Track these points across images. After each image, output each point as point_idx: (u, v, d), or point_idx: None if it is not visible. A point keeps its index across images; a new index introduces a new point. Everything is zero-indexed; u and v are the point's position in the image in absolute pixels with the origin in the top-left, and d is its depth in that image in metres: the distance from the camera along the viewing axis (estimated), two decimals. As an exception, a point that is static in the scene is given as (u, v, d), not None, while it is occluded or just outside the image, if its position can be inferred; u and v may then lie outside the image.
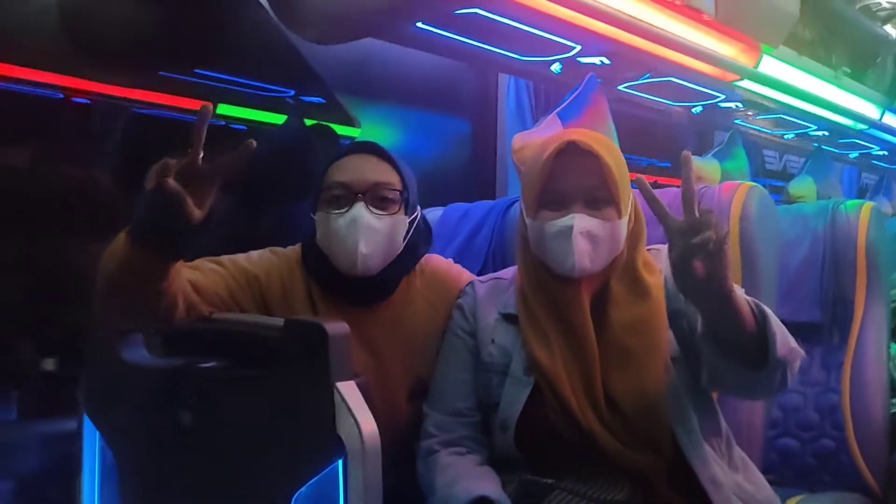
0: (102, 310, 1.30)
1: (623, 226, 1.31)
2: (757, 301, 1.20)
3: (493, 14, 1.76)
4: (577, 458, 1.27)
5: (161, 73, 2.30)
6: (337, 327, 1.12)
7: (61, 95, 2.13)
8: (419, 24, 1.80)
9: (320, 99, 2.56)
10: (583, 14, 1.74)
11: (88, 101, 2.18)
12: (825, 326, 2.17)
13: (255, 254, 1.50)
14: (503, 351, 1.37)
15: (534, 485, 1.28)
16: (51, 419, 1.73)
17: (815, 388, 2.17)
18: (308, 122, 2.56)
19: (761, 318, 1.17)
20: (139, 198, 1.14)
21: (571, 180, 1.29)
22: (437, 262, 1.59)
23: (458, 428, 1.38)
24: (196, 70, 2.37)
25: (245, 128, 2.60)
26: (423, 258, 1.55)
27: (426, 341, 1.48)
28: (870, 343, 2.10)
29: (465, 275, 1.59)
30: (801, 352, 1.22)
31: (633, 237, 1.36)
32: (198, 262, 1.41)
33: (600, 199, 1.29)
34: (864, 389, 2.08)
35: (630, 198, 1.34)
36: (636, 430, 1.27)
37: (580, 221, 1.28)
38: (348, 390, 1.09)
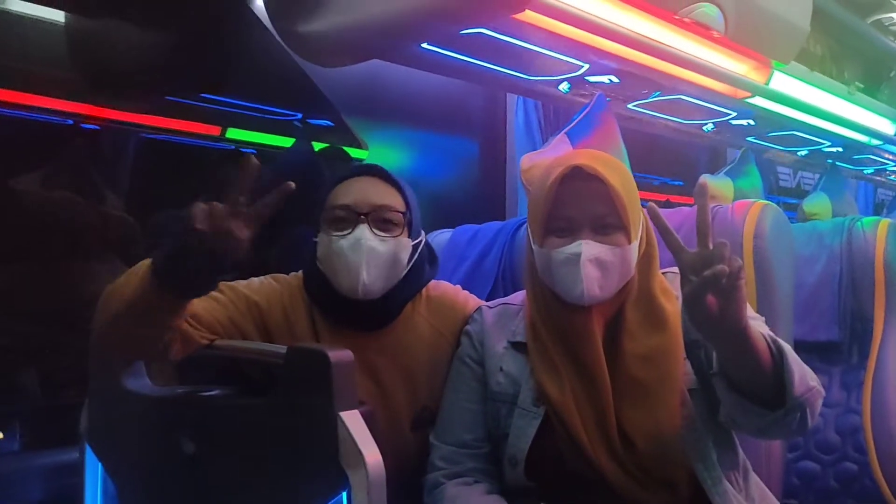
0: (103, 341, 1.27)
1: (633, 250, 1.28)
2: (774, 337, 1.16)
3: (499, 34, 1.74)
4: (591, 493, 1.23)
5: (168, 97, 2.31)
6: (341, 355, 1.10)
7: (71, 122, 2.13)
8: (424, 45, 1.78)
9: (328, 122, 2.56)
10: (590, 33, 1.72)
11: (98, 128, 2.18)
12: (844, 345, 2.15)
13: (255, 280, 1.48)
14: (512, 380, 1.33)
15: None
16: (53, 450, 1.71)
17: (836, 409, 2.14)
18: (317, 145, 2.56)
19: (778, 356, 1.12)
20: (166, 234, 1.11)
21: (578, 206, 1.26)
22: (443, 287, 1.56)
23: (466, 460, 1.34)
24: (203, 95, 2.37)
25: (255, 152, 2.61)
26: (430, 283, 1.53)
27: (431, 368, 1.45)
28: (890, 361, 2.07)
29: (472, 301, 1.56)
30: (822, 391, 1.18)
31: (645, 261, 1.32)
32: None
33: (608, 224, 1.26)
34: (886, 409, 2.04)
35: (640, 221, 1.30)
36: (650, 468, 1.23)
37: (588, 248, 1.24)
38: (352, 420, 1.07)
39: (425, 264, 1.50)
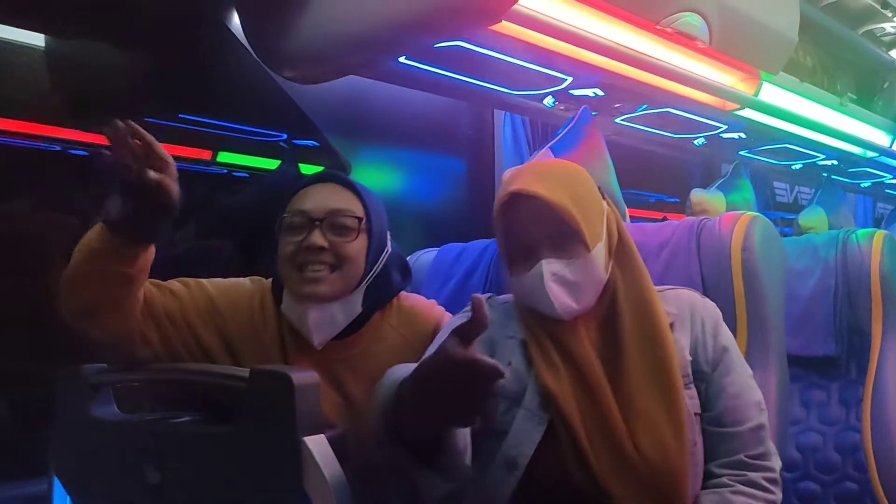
0: (68, 307, 1.29)
1: (597, 256, 1.26)
2: None
3: (477, 47, 1.71)
4: None
5: (151, 120, 2.28)
6: (304, 377, 1.06)
7: (58, 147, 2.12)
8: (402, 60, 1.75)
9: (313, 142, 2.54)
10: (570, 44, 1.69)
11: (86, 153, 2.17)
12: (841, 360, 2.11)
13: (227, 281, 1.48)
14: (518, 377, 1.28)
15: None
16: (21, 482, 1.67)
17: (835, 427, 2.10)
18: (304, 167, 2.54)
19: None
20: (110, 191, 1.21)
21: (527, 230, 1.25)
22: (415, 299, 1.55)
23: None
24: (187, 117, 2.35)
25: (248, 175, 2.59)
26: (401, 294, 1.51)
27: None
28: (890, 377, 2.03)
29: (447, 316, 1.53)
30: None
31: (623, 255, 1.31)
32: (169, 281, 1.41)
33: (563, 238, 1.25)
34: (887, 427, 2.00)
35: (602, 222, 1.29)
36: (654, 480, 1.18)
37: (549, 267, 1.23)
38: (317, 445, 1.02)
39: (393, 273, 1.48)
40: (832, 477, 2.05)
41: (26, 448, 1.69)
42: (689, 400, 1.26)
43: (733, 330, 1.57)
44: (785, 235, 3.22)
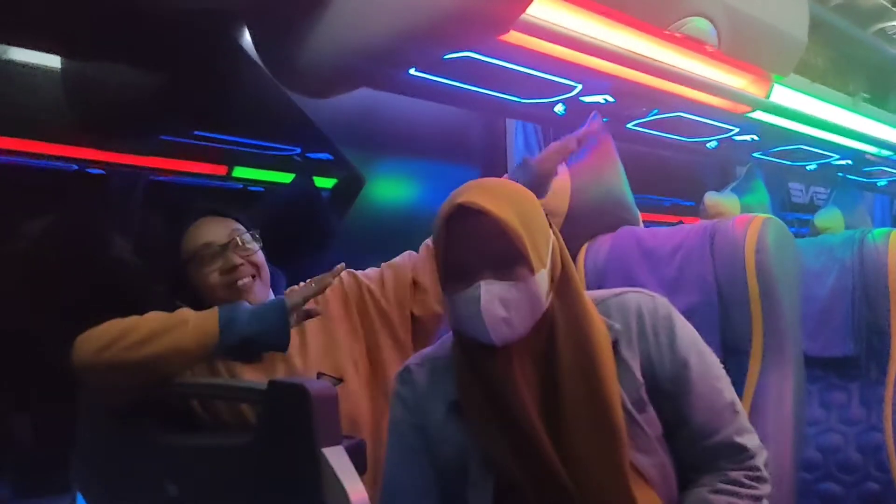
0: (135, 381, 1.30)
1: (540, 281, 1.17)
2: None
3: (486, 57, 1.72)
4: None
5: (167, 138, 2.31)
6: (321, 389, 1.06)
7: (76, 167, 2.13)
8: (413, 72, 1.76)
9: (327, 155, 2.55)
10: (579, 51, 1.69)
11: (104, 172, 2.18)
12: (861, 360, 2.10)
13: None
14: (459, 449, 1.23)
15: None
16: (44, 498, 1.69)
17: (856, 427, 2.08)
18: (318, 180, 2.55)
19: None
20: (238, 314, 1.31)
21: (470, 247, 1.16)
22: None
23: None
24: (202, 133, 2.37)
25: (262, 189, 2.60)
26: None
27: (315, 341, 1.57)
28: (910, 376, 2.01)
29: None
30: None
31: (563, 285, 1.22)
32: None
33: (507, 259, 1.16)
34: (908, 425, 1.99)
35: (548, 246, 1.21)
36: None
37: (487, 289, 1.15)
38: (335, 456, 1.03)
39: (279, 277, 1.65)
40: (854, 477, 2.04)
41: (50, 465, 1.71)
42: (647, 426, 1.20)
43: (748, 333, 1.57)
44: (801, 236, 3.21)
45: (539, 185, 1.74)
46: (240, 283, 1.49)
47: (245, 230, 1.56)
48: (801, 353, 1.61)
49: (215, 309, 1.32)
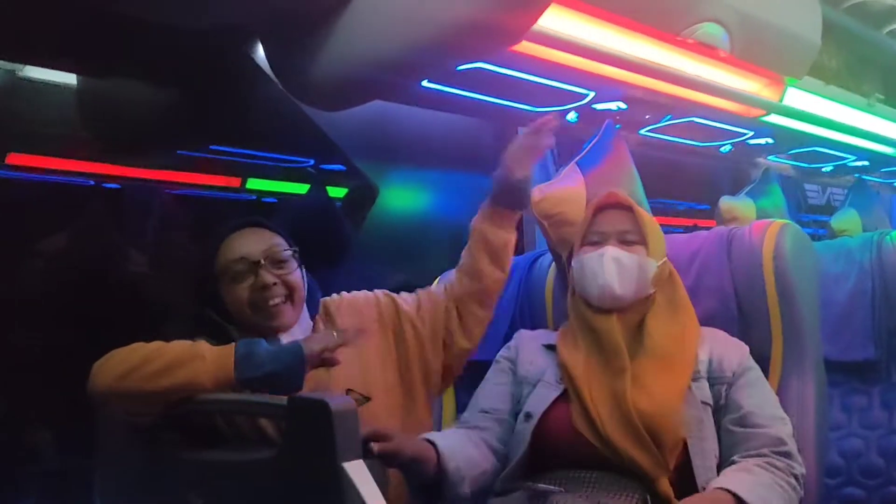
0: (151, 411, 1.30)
1: (651, 264, 1.51)
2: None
3: (498, 67, 1.72)
4: (588, 466, 1.38)
5: (183, 153, 2.33)
6: (342, 404, 1.07)
7: (92, 182, 2.16)
8: (425, 83, 1.77)
9: (340, 166, 2.56)
10: (591, 59, 1.70)
11: (119, 186, 2.21)
12: (881, 363, 2.08)
13: None
14: (539, 369, 1.54)
15: (539, 491, 1.36)
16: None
17: (878, 431, 2.06)
18: (331, 190, 2.56)
19: None
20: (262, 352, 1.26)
21: (608, 224, 1.54)
22: (348, 295, 1.65)
23: (480, 420, 1.53)
24: (218, 147, 2.39)
25: (276, 200, 2.62)
26: (325, 301, 1.61)
27: (351, 359, 1.48)
28: (931, 377, 2.00)
29: (378, 292, 1.67)
30: None
31: (669, 284, 1.54)
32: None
33: (632, 241, 1.52)
34: (930, 428, 1.97)
35: (663, 252, 1.54)
36: (649, 427, 1.35)
37: (611, 251, 1.50)
38: (356, 470, 1.04)
39: (315, 294, 1.58)
40: (876, 482, 2.02)
41: (74, 480, 1.72)
42: (697, 390, 1.43)
43: (768, 339, 1.56)
44: (818, 237, 3.19)
45: (511, 194, 1.65)
46: (270, 303, 1.44)
47: (285, 247, 1.49)
48: (821, 358, 1.60)
49: (233, 346, 1.28)
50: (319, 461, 1.05)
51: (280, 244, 1.48)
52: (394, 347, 1.60)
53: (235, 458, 1.23)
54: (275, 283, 1.44)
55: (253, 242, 1.47)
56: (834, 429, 2.07)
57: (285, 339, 1.43)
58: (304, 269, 1.52)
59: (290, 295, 1.46)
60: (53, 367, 1.84)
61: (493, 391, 1.57)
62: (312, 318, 1.56)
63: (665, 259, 1.54)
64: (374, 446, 1.22)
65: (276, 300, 1.44)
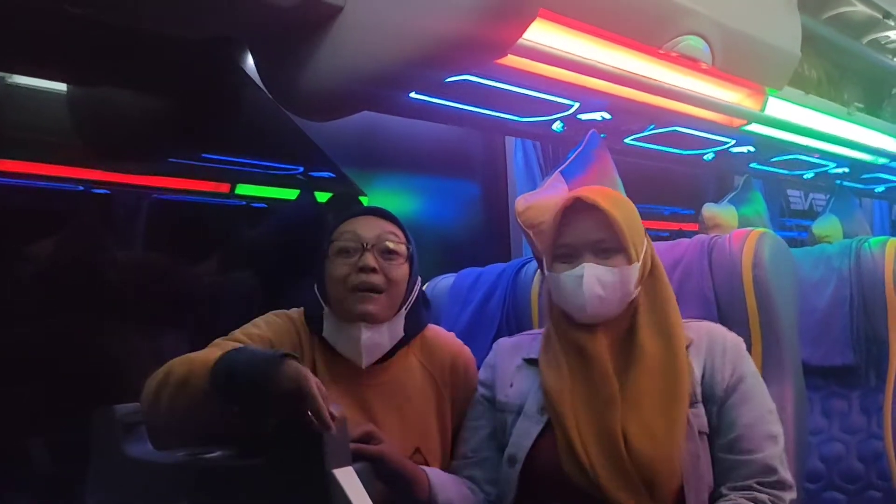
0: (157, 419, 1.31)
1: (634, 271, 1.40)
2: None
3: (485, 79, 1.75)
4: (582, 498, 1.30)
5: (173, 160, 2.34)
6: (332, 410, 1.09)
7: (81, 188, 2.16)
8: (413, 95, 1.80)
9: (329, 173, 2.58)
10: (575, 72, 1.73)
11: (108, 192, 2.21)
12: (861, 369, 2.12)
13: (260, 320, 1.51)
14: (520, 393, 1.45)
15: None
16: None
17: (857, 436, 2.10)
18: (320, 195, 2.57)
19: None
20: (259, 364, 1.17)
21: (579, 234, 1.41)
22: (436, 331, 1.61)
23: (464, 469, 1.47)
24: (207, 154, 2.40)
25: (266, 206, 2.63)
26: (426, 328, 1.56)
27: (423, 409, 1.49)
28: (908, 383, 2.03)
29: (466, 349, 1.61)
30: None
31: (652, 282, 1.44)
32: (217, 341, 1.42)
33: (609, 248, 1.39)
34: (907, 432, 2.00)
35: (643, 245, 1.43)
36: (642, 470, 1.28)
37: (589, 270, 1.38)
38: (345, 477, 1.06)
39: (422, 308, 1.55)
40: (856, 486, 2.05)
41: (65, 485, 1.73)
42: (694, 418, 1.34)
43: (748, 346, 1.60)
44: (801, 241, 3.23)
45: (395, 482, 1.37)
46: (364, 286, 1.40)
47: (399, 240, 1.48)
48: (800, 365, 1.63)
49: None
50: (309, 467, 1.08)
51: (394, 234, 1.48)
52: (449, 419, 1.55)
53: (224, 464, 1.24)
54: (374, 270, 1.42)
55: (369, 227, 1.47)
56: (815, 433, 2.10)
57: (368, 333, 1.42)
58: (418, 276, 1.52)
59: (387, 287, 1.43)
60: (45, 372, 1.85)
61: (473, 435, 1.50)
62: (408, 335, 1.50)
63: (644, 251, 1.44)
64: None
65: (372, 285, 1.41)
